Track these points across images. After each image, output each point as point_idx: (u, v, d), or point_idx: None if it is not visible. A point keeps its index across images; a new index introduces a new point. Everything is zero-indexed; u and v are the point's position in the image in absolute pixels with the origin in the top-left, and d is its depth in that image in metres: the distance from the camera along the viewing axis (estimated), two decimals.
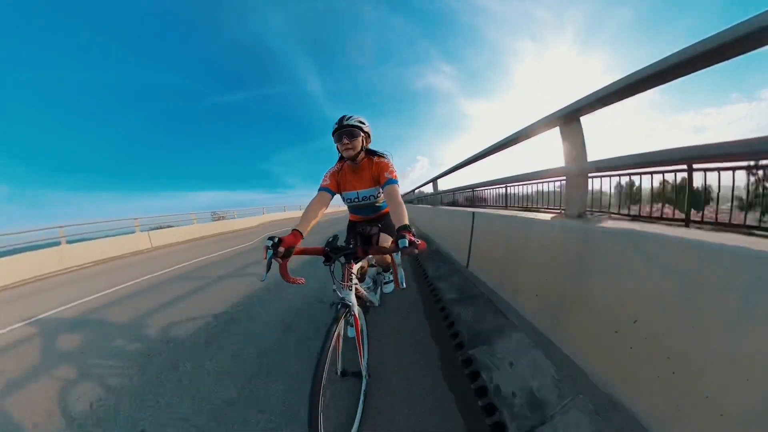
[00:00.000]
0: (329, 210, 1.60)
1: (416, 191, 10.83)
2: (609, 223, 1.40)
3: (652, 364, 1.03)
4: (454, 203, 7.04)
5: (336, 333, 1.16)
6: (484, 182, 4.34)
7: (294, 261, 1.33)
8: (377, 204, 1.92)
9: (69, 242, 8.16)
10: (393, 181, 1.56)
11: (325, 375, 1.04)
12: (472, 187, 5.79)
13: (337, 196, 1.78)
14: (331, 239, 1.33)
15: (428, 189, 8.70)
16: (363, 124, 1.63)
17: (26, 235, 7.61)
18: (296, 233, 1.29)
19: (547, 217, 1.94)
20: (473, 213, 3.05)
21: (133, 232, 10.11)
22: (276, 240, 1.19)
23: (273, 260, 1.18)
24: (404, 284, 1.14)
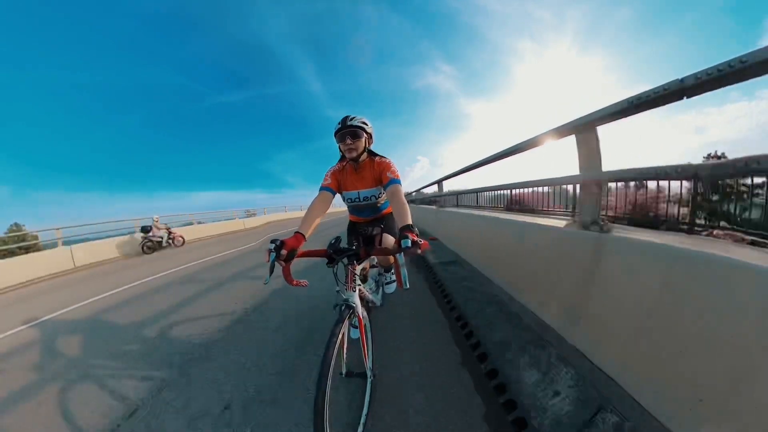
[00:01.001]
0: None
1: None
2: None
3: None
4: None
5: (340, 334, 1.16)
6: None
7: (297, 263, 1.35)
8: (378, 204, 1.92)
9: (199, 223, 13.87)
10: (396, 181, 1.56)
11: (330, 376, 1.04)
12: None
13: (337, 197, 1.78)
14: (333, 241, 1.33)
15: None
16: (366, 125, 1.62)
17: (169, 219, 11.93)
18: (298, 236, 1.29)
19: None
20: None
21: (233, 219, 16.09)
22: (279, 243, 1.19)
23: (276, 263, 1.19)
24: (408, 284, 1.14)
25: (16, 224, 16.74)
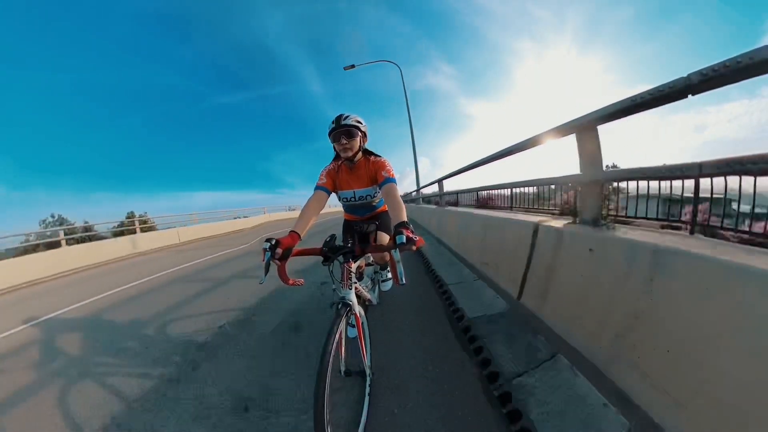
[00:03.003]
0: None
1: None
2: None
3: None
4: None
5: (338, 333, 1.15)
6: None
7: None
8: (373, 203, 1.91)
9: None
10: (391, 180, 1.55)
11: (328, 375, 1.03)
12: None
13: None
14: (328, 239, 1.32)
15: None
16: (360, 123, 1.60)
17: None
18: (294, 235, 1.27)
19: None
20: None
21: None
22: (274, 242, 1.18)
23: (271, 262, 1.17)
24: (404, 280, 1.13)
25: (132, 212, 21.24)
